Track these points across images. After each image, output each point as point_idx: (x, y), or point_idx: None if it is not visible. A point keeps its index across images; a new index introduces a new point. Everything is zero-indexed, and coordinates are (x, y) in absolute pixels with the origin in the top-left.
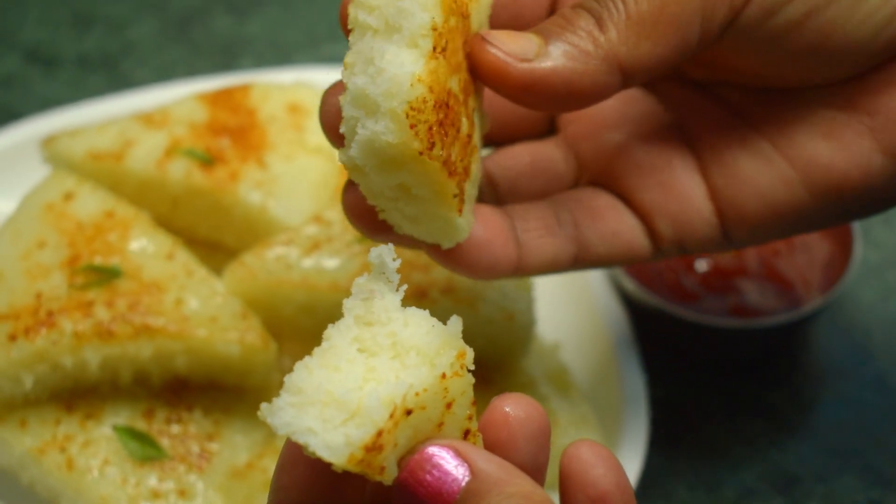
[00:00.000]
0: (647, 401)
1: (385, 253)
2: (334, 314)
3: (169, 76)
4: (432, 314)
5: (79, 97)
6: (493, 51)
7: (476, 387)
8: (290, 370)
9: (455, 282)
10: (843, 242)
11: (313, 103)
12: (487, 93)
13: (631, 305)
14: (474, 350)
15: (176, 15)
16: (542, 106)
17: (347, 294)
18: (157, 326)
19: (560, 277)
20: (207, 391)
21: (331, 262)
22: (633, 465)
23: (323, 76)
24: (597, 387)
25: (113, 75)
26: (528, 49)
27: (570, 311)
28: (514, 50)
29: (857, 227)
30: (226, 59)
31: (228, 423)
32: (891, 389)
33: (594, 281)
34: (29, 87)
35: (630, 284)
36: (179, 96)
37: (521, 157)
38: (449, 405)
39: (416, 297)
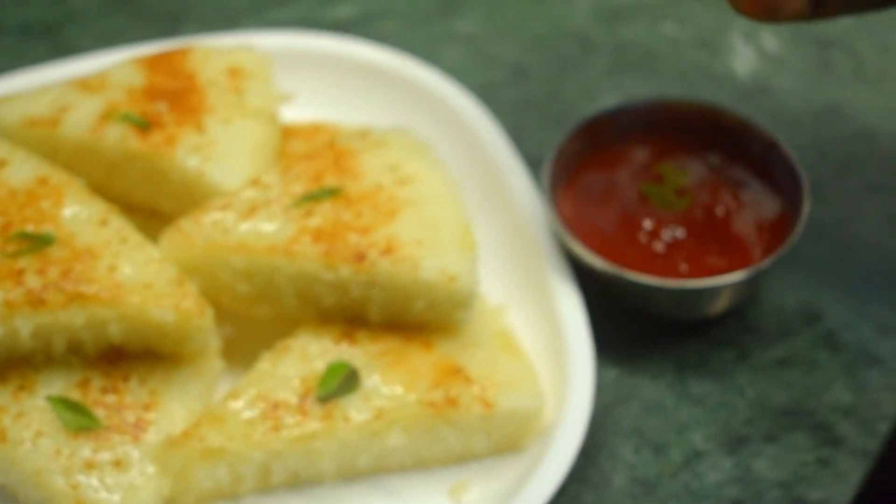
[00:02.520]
0: (593, 361)
1: None
2: (272, 278)
3: (113, 44)
4: (369, 277)
5: (21, 66)
6: None
7: (416, 351)
8: (228, 336)
9: (394, 243)
10: (793, 200)
11: (254, 66)
12: None
13: (578, 267)
14: (415, 314)
15: None
16: None
17: (284, 257)
18: (90, 293)
19: (506, 239)
20: (144, 360)
21: (268, 226)
22: (577, 426)
23: (267, 40)
24: (543, 348)
25: (55, 44)
26: None
27: (516, 273)
28: None
29: (808, 183)
30: (170, 26)
31: (165, 392)
32: (842, 348)
33: (540, 243)
34: None
35: (577, 246)
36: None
37: None
38: None
39: (355, 259)
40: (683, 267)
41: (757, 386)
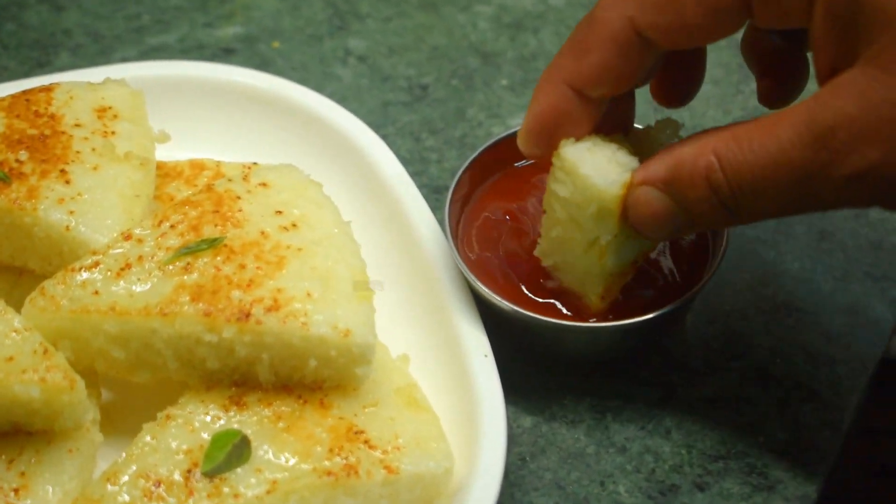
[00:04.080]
0: (505, 411)
1: None
2: (149, 342)
3: None
4: (256, 336)
5: None
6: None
7: (312, 413)
8: (108, 403)
9: (282, 297)
10: None
11: (125, 103)
12: None
13: (486, 310)
14: (308, 373)
15: None
16: None
17: (160, 319)
18: None
19: (406, 282)
20: (12, 439)
21: (142, 285)
22: (491, 484)
23: (141, 70)
24: (450, 400)
25: None
26: (665, 224)
27: (419, 320)
28: (655, 230)
29: None
30: (41, 56)
31: (37, 474)
32: (773, 382)
33: (444, 284)
34: None
35: (484, 289)
36: None
37: None
38: None
39: (239, 318)
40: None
41: (684, 428)
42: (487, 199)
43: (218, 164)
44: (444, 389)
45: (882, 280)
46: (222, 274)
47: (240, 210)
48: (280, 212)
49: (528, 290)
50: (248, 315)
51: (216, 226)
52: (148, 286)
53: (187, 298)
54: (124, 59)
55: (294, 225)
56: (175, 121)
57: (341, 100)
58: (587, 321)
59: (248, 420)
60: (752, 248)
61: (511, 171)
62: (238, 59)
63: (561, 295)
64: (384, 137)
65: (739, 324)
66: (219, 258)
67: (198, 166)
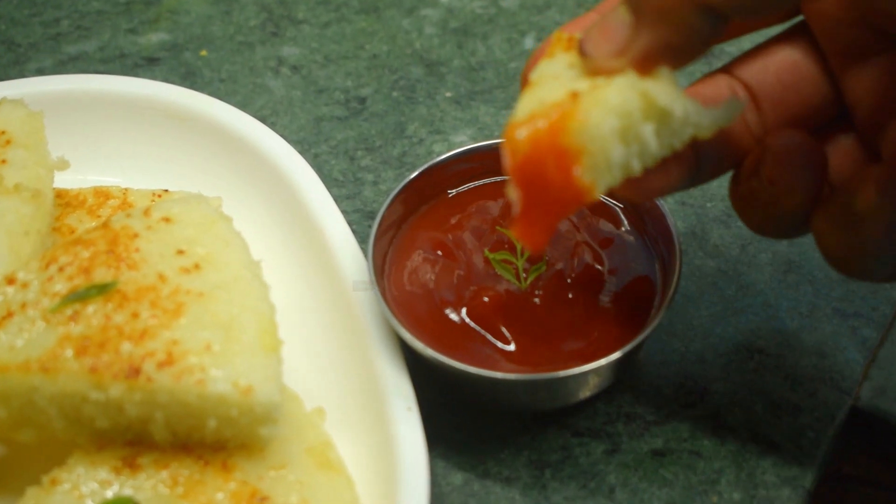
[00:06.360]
0: (429, 469)
1: None
2: (31, 400)
3: None
4: (147, 394)
5: None
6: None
7: (213, 476)
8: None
9: (177, 350)
10: (667, 257)
11: (21, 128)
12: None
13: (413, 357)
14: (209, 433)
15: None
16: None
17: (42, 376)
18: None
19: (325, 326)
20: None
21: (23, 337)
22: None
23: (44, 86)
24: (369, 458)
25: None
26: (619, 40)
27: (338, 367)
28: (606, 50)
29: (680, 238)
30: None
31: None
32: (730, 433)
33: (368, 331)
34: None
35: (408, 335)
36: None
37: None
38: None
39: (128, 375)
40: (539, 351)
41: (630, 486)
42: (420, 230)
43: (125, 191)
44: (363, 446)
45: (853, 317)
46: (112, 324)
47: (137, 250)
48: (182, 251)
49: (460, 334)
50: (137, 371)
51: (109, 268)
52: (29, 338)
53: (71, 353)
54: (39, 70)
55: (197, 266)
56: (81, 141)
57: (271, 114)
58: (525, 368)
59: (143, 485)
60: (712, 282)
61: (446, 199)
62: (162, 70)
63: (500, 339)
64: (316, 156)
65: (695, 367)
66: (109, 306)
67: (102, 194)
